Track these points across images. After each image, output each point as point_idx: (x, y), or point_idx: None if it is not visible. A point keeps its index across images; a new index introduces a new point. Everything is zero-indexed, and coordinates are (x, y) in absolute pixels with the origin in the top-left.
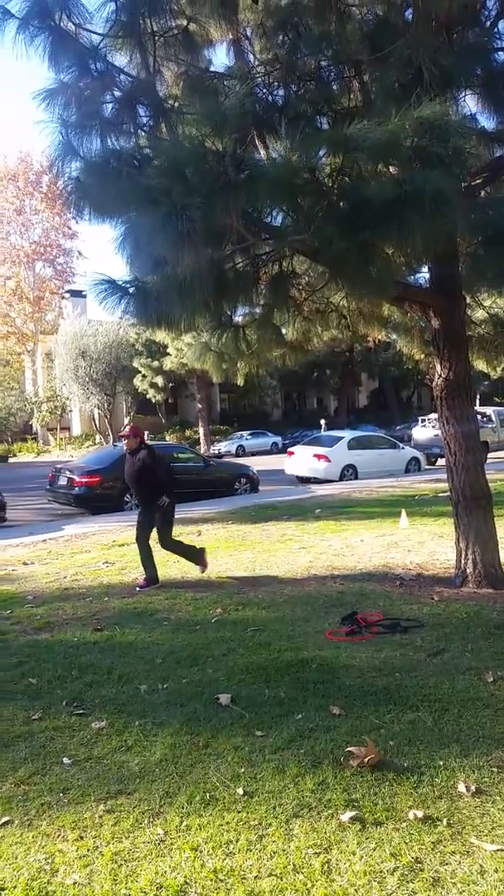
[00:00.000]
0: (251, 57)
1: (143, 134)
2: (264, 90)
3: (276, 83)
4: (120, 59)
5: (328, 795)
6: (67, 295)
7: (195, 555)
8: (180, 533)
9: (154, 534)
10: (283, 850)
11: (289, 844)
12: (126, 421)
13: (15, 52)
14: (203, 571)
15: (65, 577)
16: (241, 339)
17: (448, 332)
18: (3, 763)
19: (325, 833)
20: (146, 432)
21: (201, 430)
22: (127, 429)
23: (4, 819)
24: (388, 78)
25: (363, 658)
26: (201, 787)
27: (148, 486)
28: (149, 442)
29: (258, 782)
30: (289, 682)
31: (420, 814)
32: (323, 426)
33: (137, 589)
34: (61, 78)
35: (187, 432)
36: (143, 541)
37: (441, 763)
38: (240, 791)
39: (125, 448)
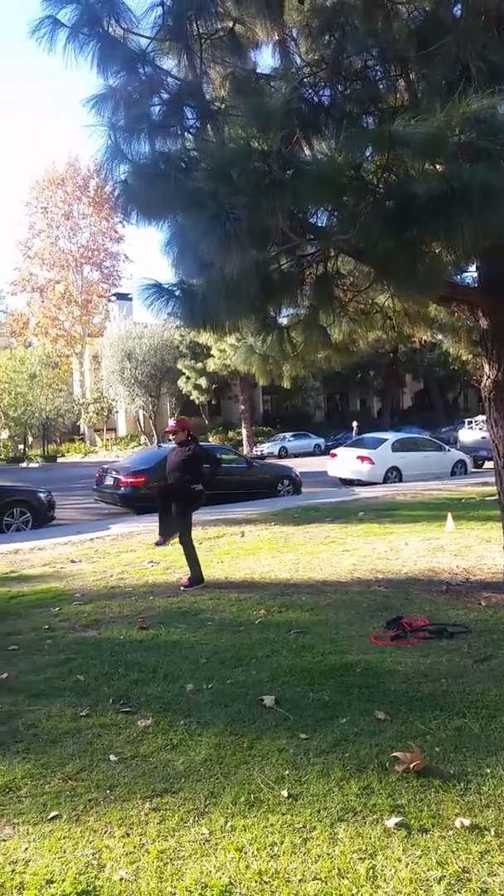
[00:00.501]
0: (297, 58)
1: (189, 136)
2: (310, 90)
3: (321, 83)
4: (167, 63)
5: (373, 800)
6: (114, 298)
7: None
8: (223, 534)
9: (197, 533)
10: (328, 854)
11: (333, 849)
12: (170, 423)
13: (65, 60)
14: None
15: (111, 576)
16: (286, 340)
17: (497, 331)
18: (51, 758)
19: (370, 838)
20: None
21: (244, 432)
22: (173, 422)
23: (53, 813)
24: (435, 76)
25: (408, 663)
26: (246, 788)
27: (190, 474)
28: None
29: (303, 785)
30: (333, 686)
31: (467, 822)
32: (355, 428)
33: (182, 588)
34: (110, 83)
35: (230, 433)
36: (186, 541)
37: (489, 771)
38: (284, 793)
39: (174, 442)
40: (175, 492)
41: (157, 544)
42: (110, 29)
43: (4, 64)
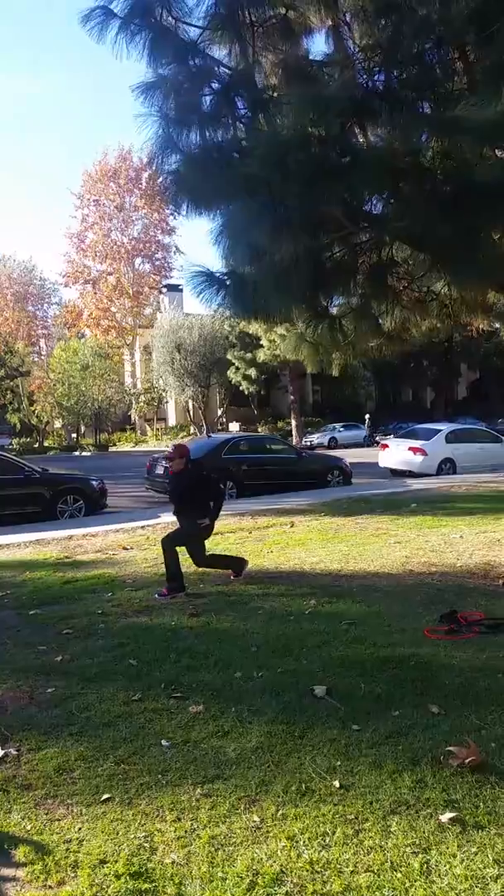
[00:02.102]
0: (350, 43)
1: (241, 126)
2: (364, 76)
3: (376, 68)
4: (218, 52)
5: (427, 794)
6: (165, 289)
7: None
8: (272, 524)
9: (246, 522)
10: (381, 847)
11: (386, 841)
12: (219, 413)
13: (115, 51)
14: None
15: (162, 563)
16: (337, 329)
17: None
18: (104, 742)
19: (424, 832)
20: (239, 423)
21: (293, 422)
22: (171, 450)
23: (105, 796)
24: (495, 58)
25: (463, 658)
26: (297, 777)
27: (193, 506)
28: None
29: (354, 776)
30: (385, 678)
31: None
32: (367, 421)
33: (232, 578)
34: (161, 72)
35: (279, 424)
36: (201, 560)
37: None
38: (336, 784)
39: (170, 470)
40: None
41: (158, 595)
42: (162, 19)
43: (56, 53)
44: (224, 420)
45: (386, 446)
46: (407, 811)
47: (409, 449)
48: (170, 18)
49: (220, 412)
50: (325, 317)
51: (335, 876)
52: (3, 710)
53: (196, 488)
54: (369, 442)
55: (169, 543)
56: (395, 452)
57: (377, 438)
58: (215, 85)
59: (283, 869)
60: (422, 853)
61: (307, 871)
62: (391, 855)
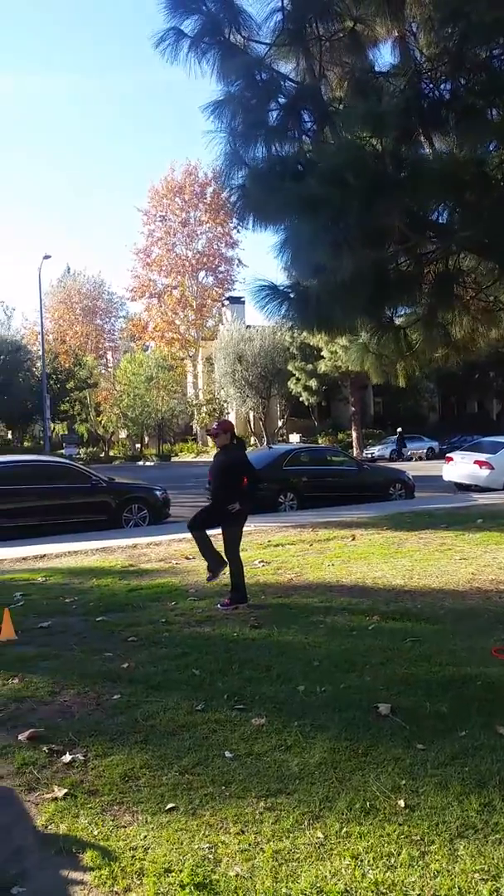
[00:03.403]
0: (417, 53)
1: (307, 139)
2: (430, 84)
3: (443, 77)
4: (284, 67)
5: (495, 818)
6: (227, 302)
7: (241, 581)
8: (333, 536)
9: (306, 534)
10: (448, 871)
11: (453, 865)
12: (279, 424)
13: (187, 69)
14: (223, 607)
15: (223, 573)
16: (402, 339)
17: None
18: (168, 751)
19: (493, 858)
20: (299, 435)
21: (354, 434)
22: (215, 425)
23: (170, 805)
24: None
25: None
26: (361, 795)
27: (229, 485)
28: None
29: (420, 796)
30: (451, 698)
31: None
32: (397, 434)
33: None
34: (229, 89)
35: (340, 436)
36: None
37: None
38: (401, 803)
39: (216, 446)
40: (211, 515)
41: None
42: (230, 37)
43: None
44: (284, 431)
45: (450, 460)
46: (475, 835)
47: (475, 462)
48: (238, 36)
49: (280, 423)
50: (389, 328)
51: None
52: (71, 715)
53: (231, 467)
54: (397, 456)
55: (232, 551)
56: (460, 466)
57: (406, 453)
58: (281, 99)
59: (348, 888)
60: (491, 880)
61: (372, 891)
62: (459, 881)
